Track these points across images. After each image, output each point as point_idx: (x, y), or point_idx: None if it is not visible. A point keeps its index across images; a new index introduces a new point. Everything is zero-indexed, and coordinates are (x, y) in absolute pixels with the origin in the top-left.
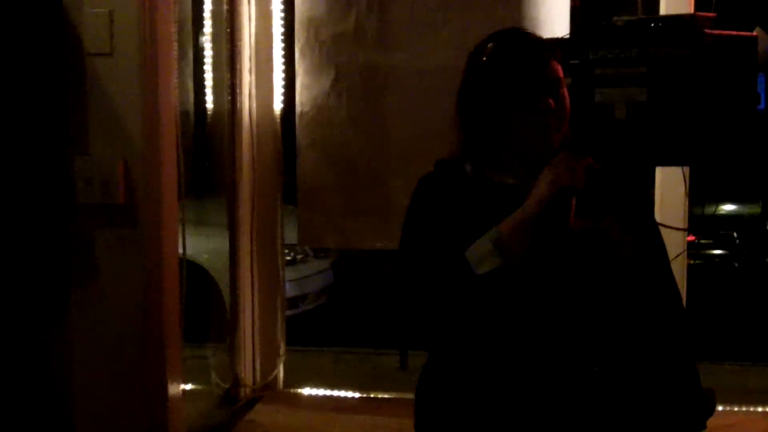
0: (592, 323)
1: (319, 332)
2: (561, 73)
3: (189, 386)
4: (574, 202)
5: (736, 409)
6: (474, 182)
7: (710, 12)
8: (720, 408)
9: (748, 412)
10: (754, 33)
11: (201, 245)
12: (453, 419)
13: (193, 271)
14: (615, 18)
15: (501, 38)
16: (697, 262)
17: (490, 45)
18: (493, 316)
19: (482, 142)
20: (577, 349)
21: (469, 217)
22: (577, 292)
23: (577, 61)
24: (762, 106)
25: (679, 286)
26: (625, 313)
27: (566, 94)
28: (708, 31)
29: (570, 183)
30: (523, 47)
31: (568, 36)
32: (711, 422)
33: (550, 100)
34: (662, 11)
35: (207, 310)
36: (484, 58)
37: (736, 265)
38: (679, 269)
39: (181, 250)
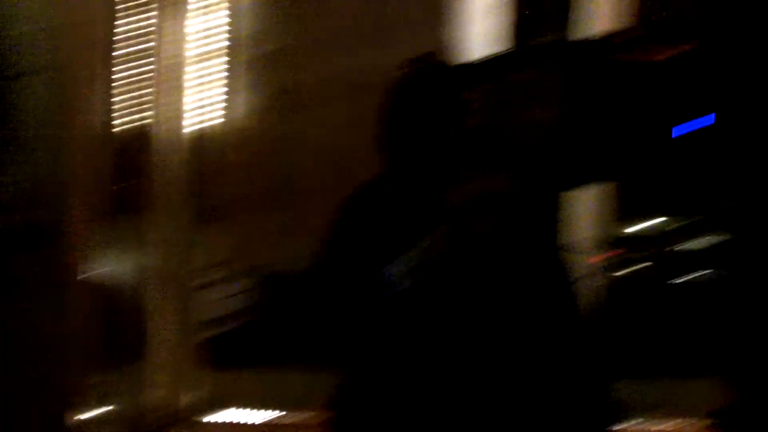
0: (505, 339)
1: (241, 354)
2: (479, 98)
3: (96, 412)
4: (490, 212)
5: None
6: (396, 202)
7: (625, 32)
8: (633, 420)
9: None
10: (679, 49)
11: (112, 266)
12: None
13: (111, 291)
14: (531, 41)
15: (421, 63)
16: (617, 278)
17: (411, 70)
18: (407, 333)
19: (403, 162)
20: (489, 365)
21: (389, 237)
22: (493, 308)
23: (498, 84)
24: (687, 123)
25: (594, 304)
26: (535, 326)
27: (483, 118)
28: (620, 53)
29: (483, 193)
30: (442, 72)
31: (485, 58)
32: None
33: (466, 123)
34: (582, 30)
35: (120, 331)
36: (405, 83)
37: (657, 280)
38: (594, 285)
39: (92, 271)
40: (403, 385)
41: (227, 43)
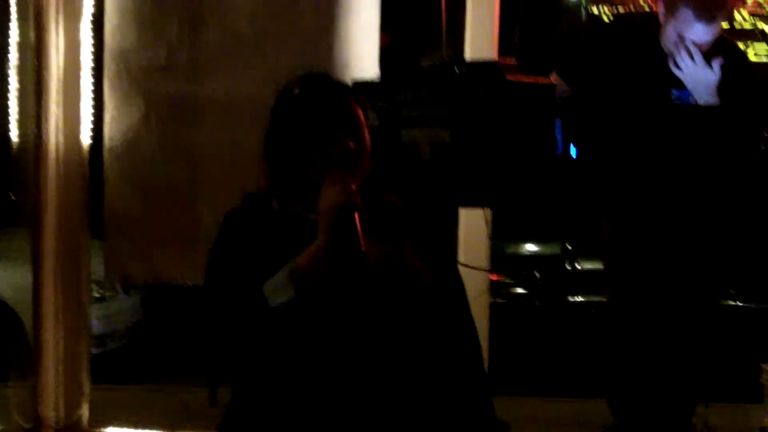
0: (383, 354)
1: (127, 370)
2: (362, 117)
3: None
4: (358, 219)
5: None
6: (279, 217)
7: (511, 57)
8: None
9: None
10: (552, 79)
11: (5, 280)
12: None
13: None
14: (422, 60)
15: (306, 81)
16: (499, 300)
17: (295, 88)
18: (286, 348)
19: (287, 178)
20: (368, 379)
21: (272, 252)
22: (371, 321)
23: (385, 103)
24: (559, 150)
25: (482, 325)
26: (418, 343)
27: (367, 136)
28: (509, 76)
29: (344, 200)
30: (325, 91)
31: (377, 79)
32: None
33: (348, 142)
34: (467, 54)
35: (9, 346)
36: (289, 101)
37: (538, 303)
38: (481, 308)
39: None
40: (286, 396)
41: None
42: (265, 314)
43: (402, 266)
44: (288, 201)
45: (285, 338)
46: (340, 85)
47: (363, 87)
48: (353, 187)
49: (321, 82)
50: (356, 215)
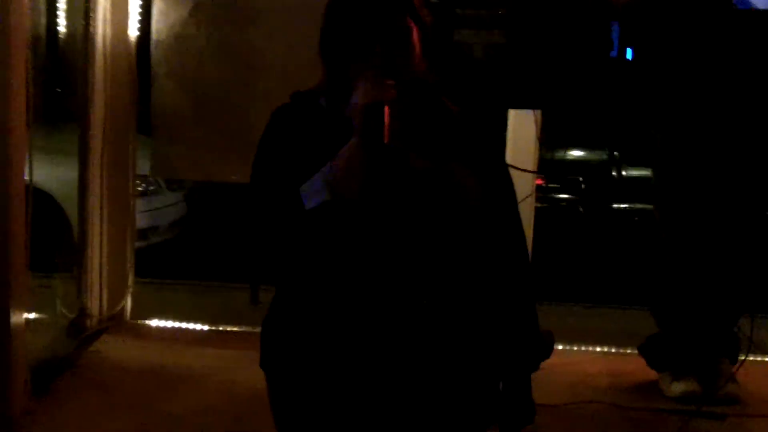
0: (425, 259)
1: (170, 265)
2: (412, 25)
3: (33, 316)
4: (387, 118)
5: (575, 348)
6: (326, 116)
7: None
8: (561, 347)
9: (587, 351)
10: None
11: (50, 173)
12: (294, 353)
13: (40, 198)
14: None
15: None
16: (543, 205)
17: None
18: (323, 251)
19: (337, 79)
20: (406, 284)
21: (316, 150)
22: (411, 228)
23: (438, 0)
24: (614, 53)
25: (526, 228)
26: (463, 251)
27: (415, 39)
28: None
29: (374, 97)
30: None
31: None
32: (551, 360)
33: (388, 52)
34: None
35: (54, 238)
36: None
37: (582, 209)
38: (526, 212)
39: (28, 177)
40: (322, 302)
41: None
42: (300, 215)
43: (450, 181)
44: (336, 101)
45: (320, 240)
46: None
47: None
48: (386, 84)
49: None
50: (386, 110)
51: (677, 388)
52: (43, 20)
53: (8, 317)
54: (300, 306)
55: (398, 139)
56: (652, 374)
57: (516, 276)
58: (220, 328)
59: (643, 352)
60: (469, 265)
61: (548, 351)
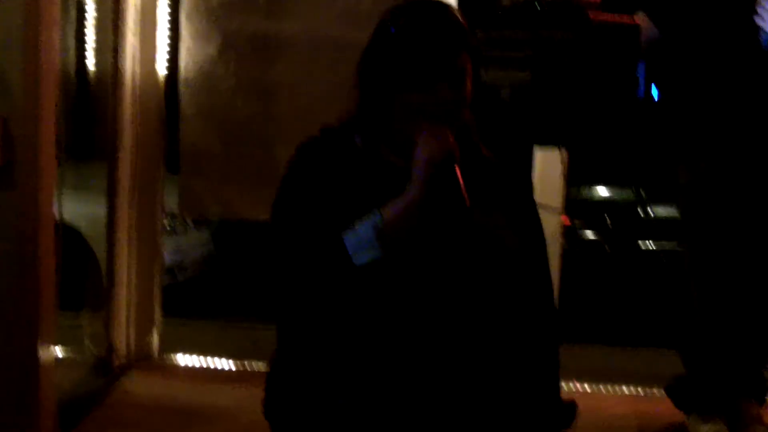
0: (467, 319)
1: (197, 303)
2: (469, 64)
3: (62, 354)
4: (459, 173)
5: (603, 390)
6: (362, 156)
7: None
8: (588, 389)
9: (614, 392)
10: (637, 20)
11: (78, 210)
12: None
13: (69, 235)
14: (503, 0)
15: (416, 11)
16: (570, 244)
17: (402, 16)
18: (368, 309)
19: (377, 115)
20: (453, 346)
21: (352, 194)
22: (459, 286)
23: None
24: (641, 93)
25: (553, 269)
26: (499, 311)
27: (469, 85)
28: (593, 16)
29: (444, 154)
30: (434, 28)
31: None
32: (579, 402)
33: (446, 89)
34: None
35: (82, 276)
36: (392, 30)
37: (608, 249)
38: (554, 252)
39: (57, 214)
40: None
41: None
42: (347, 270)
43: (492, 233)
44: (374, 140)
45: (365, 297)
46: (454, 22)
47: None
48: (451, 139)
49: (433, 15)
50: (457, 168)
51: (705, 429)
52: (73, 58)
53: (37, 354)
54: (323, 360)
55: (469, 196)
56: (680, 416)
57: (543, 336)
58: (247, 367)
59: (670, 393)
60: (502, 322)
61: (569, 422)
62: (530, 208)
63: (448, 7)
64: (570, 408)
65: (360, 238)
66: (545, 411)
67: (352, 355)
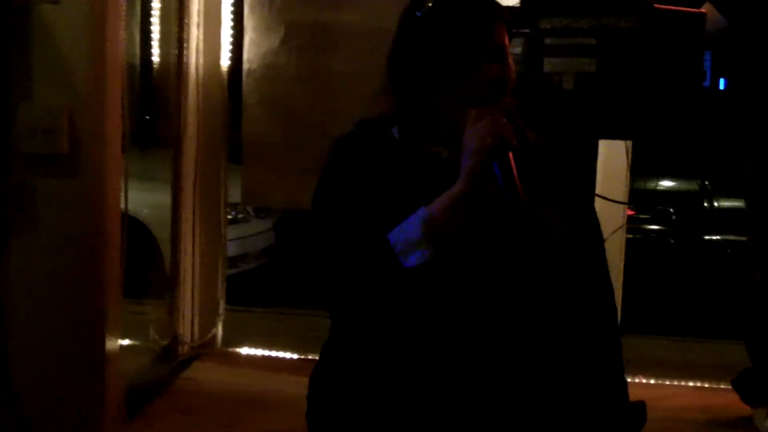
0: (521, 317)
1: (259, 293)
2: (507, 40)
3: (127, 342)
4: (513, 160)
5: (668, 382)
6: (401, 149)
7: None
8: (653, 381)
9: (679, 385)
10: (703, 9)
11: (142, 199)
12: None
13: (133, 225)
14: None
15: None
16: (635, 236)
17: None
18: (418, 309)
19: (414, 106)
20: (503, 343)
21: (394, 189)
22: (509, 281)
23: (528, 30)
24: (707, 83)
25: (617, 260)
26: (554, 310)
27: (511, 63)
28: (657, 5)
29: (496, 140)
30: (466, 5)
31: (518, 4)
32: (644, 395)
33: (492, 68)
34: None
35: (147, 265)
36: (420, 14)
37: (672, 241)
38: (618, 243)
39: (123, 204)
40: (401, 354)
41: None
42: (396, 272)
43: (545, 224)
44: (412, 132)
45: (416, 299)
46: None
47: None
48: (504, 123)
49: None
50: (510, 156)
51: None
52: (138, 50)
53: (103, 343)
54: (369, 360)
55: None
56: (747, 409)
57: (603, 335)
58: (309, 357)
59: (737, 386)
60: (558, 321)
61: (640, 425)
62: (583, 197)
63: None
64: (639, 409)
65: (407, 237)
66: (613, 415)
67: (401, 361)
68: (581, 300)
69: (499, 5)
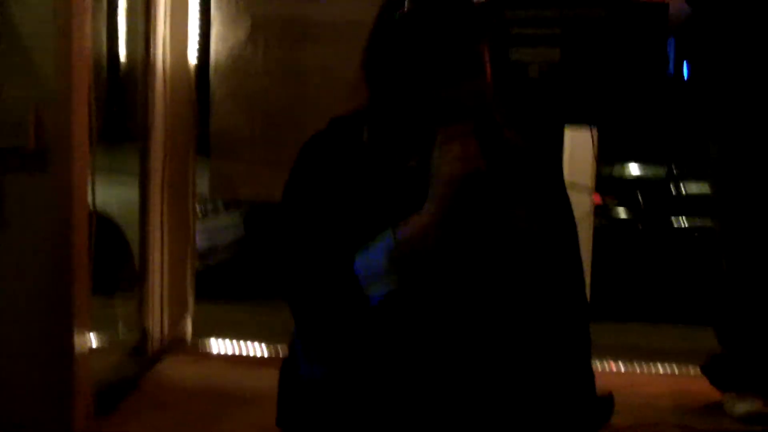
0: (490, 327)
1: (229, 286)
2: (486, 51)
3: (96, 338)
4: (484, 188)
5: (638, 369)
6: (369, 155)
7: None
8: (623, 368)
9: (649, 371)
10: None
11: (110, 194)
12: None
13: (101, 220)
14: None
15: None
16: (602, 223)
17: (407, 1)
18: (384, 339)
19: (386, 109)
20: (468, 352)
21: (359, 198)
22: (479, 290)
23: (494, 21)
24: (671, 69)
25: (585, 247)
26: (523, 309)
27: (488, 72)
28: None
29: (471, 168)
30: (445, 15)
31: None
32: (615, 381)
33: (468, 83)
34: None
35: (115, 261)
36: (398, 15)
37: (641, 227)
38: (585, 231)
39: (90, 199)
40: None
41: None
42: (361, 301)
43: (514, 228)
44: (382, 136)
45: (381, 329)
46: (468, 9)
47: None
48: (476, 147)
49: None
50: (483, 182)
51: (742, 408)
52: (105, 45)
53: (72, 340)
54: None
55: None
56: (717, 394)
57: (573, 328)
58: (279, 351)
59: (706, 371)
60: (528, 325)
61: (606, 418)
62: (558, 191)
63: None
64: (607, 402)
65: (372, 266)
66: (580, 408)
67: (364, 375)
68: (552, 303)
69: (481, 16)
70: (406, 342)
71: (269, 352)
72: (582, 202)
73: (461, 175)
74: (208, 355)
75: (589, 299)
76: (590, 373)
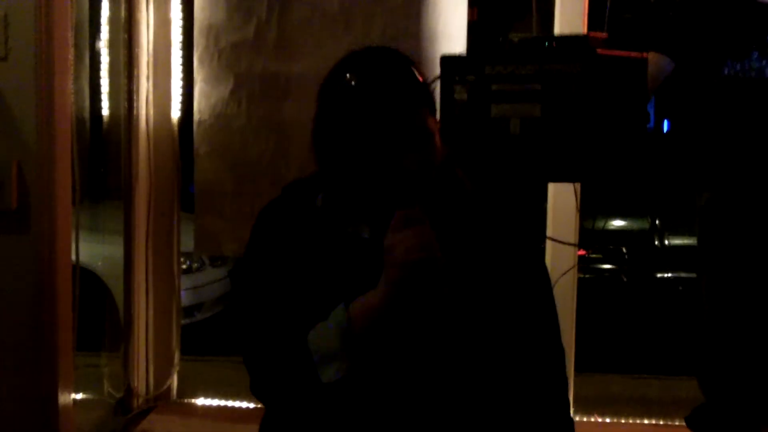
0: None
1: (215, 342)
2: (430, 121)
3: (80, 395)
4: (438, 273)
5: (623, 420)
6: (321, 220)
7: (603, 33)
8: (608, 420)
9: (634, 423)
10: (645, 55)
11: (95, 252)
12: None
13: (86, 277)
14: (511, 35)
15: (363, 67)
16: (587, 276)
17: (347, 70)
18: (337, 419)
19: (335, 179)
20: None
21: (313, 268)
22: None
23: (473, 77)
24: (651, 125)
25: (570, 300)
26: (479, 387)
27: (437, 143)
28: (600, 50)
29: (422, 254)
30: (383, 87)
31: (464, 53)
32: None
33: (411, 157)
34: (556, 30)
35: (100, 318)
36: (340, 87)
37: (625, 279)
38: (570, 283)
39: (74, 257)
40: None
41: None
42: (313, 387)
43: (472, 304)
44: (335, 205)
45: (333, 410)
46: (405, 76)
47: (451, 61)
48: (431, 234)
49: (381, 71)
50: (437, 265)
51: None
52: (87, 103)
53: (56, 397)
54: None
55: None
56: None
57: (548, 391)
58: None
59: (690, 423)
60: (482, 395)
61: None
62: (527, 243)
63: (397, 56)
64: None
65: (325, 346)
66: None
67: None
68: (522, 360)
69: (421, 86)
70: (358, 423)
71: (254, 406)
72: (566, 256)
73: (414, 261)
74: (194, 411)
75: (573, 351)
76: (569, 425)
